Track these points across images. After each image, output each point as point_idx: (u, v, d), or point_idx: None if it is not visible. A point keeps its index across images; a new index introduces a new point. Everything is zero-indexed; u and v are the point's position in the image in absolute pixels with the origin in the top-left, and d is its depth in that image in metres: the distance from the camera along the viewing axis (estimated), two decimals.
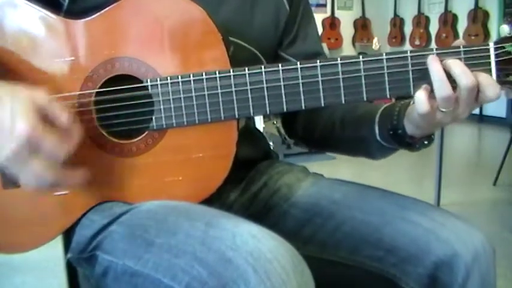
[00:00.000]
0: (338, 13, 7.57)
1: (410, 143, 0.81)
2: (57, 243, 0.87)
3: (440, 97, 0.71)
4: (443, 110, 0.72)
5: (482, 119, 6.44)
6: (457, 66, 0.71)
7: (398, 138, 0.82)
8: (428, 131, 0.79)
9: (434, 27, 7.08)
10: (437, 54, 0.73)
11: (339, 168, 3.73)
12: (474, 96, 0.72)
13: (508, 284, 2.16)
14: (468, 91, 0.71)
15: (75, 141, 0.72)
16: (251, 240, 0.63)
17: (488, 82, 0.71)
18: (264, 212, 0.93)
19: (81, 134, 0.73)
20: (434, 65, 0.72)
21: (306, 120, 1.00)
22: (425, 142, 0.81)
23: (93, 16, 0.78)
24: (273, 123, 4.43)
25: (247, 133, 0.93)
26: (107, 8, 0.78)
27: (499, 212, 3.11)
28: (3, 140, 0.68)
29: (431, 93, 0.73)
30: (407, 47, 7.45)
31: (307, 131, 1.01)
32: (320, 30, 7.38)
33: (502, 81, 0.73)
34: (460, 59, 0.73)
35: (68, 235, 0.83)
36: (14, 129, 0.67)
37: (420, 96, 0.72)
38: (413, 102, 0.75)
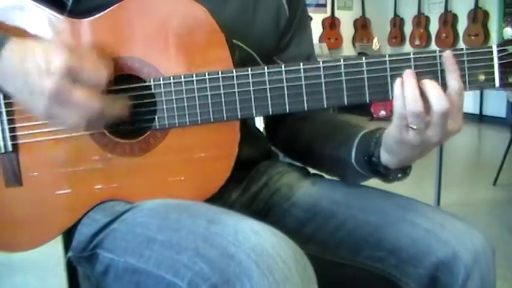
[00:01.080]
0: (338, 13, 7.56)
1: (384, 173, 0.81)
2: (57, 242, 0.87)
3: (411, 112, 0.70)
4: (413, 127, 0.71)
5: (482, 119, 6.44)
6: (433, 89, 0.71)
7: (372, 166, 0.81)
8: (401, 160, 0.78)
9: (434, 27, 7.08)
10: (440, 56, 0.73)
11: None
12: (446, 121, 0.71)
13: (507, 285, 2.16)
14: (441, 116, 0.70)
15: (111, 66, 0.73)
16: (253, 236, 0.63)
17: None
18: (264, 211, 0.93)
19: (111, 62, 0.74)
20: (409, 80, 0.72)
21: (290, 129, 1.00)
22: (399, 175, 0.81)
23: (97, 16, 0.79)
24: None
25: (248, 133, 0.93)
26: (110, 8, 0.78)
27: (499, 212, 3.11)
28: (43, 79, 0.67)
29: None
30: (407, 47, 7.45)
31: (288, 141, 1.01)
32: (320, 30, 7.38)
33: (505, 83, 0.73)
34: (463, 61, 0.73)
35: (68, 234, 0.83)
36: (51, 64, 0.67)
37: (397, 90, 0.72)
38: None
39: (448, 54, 0.73)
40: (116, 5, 0.78)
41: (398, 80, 0.72)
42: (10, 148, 0.81)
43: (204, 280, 0.61)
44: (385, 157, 0.79)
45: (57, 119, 0.71)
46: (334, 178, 0.97)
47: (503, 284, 2.14)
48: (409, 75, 0.72)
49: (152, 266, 0.68)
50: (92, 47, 0.75)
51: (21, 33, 0.79)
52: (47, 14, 0.79)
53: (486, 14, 6.39)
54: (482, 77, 0.74)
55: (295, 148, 1.01)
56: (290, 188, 0.94)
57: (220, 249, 0.63)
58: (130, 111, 0.79)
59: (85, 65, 0.69)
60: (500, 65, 0.73)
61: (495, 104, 6.32)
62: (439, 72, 0.74)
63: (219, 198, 0.81)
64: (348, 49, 7.59)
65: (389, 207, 0.84)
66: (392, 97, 0.74)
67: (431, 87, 0.71)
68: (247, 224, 0.65)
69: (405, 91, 0.71)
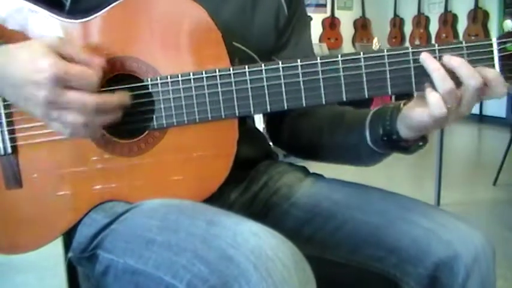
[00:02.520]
0: (338, 13, 7.56)
1: (405, 147, 0.81)
2: (57, 242, 0.87)
3: (444, 92, 0.71)
4: (448, 106, 0.71)
5: (482, 119, 6.44)
6: (463, 68, 0.70)
7: (392, 143, 0.81)
8: (421, 132, 0.78)
9: (434, 27, 7.08)
10: (440, 50, 0.72)
11: (338, 168, 3.72)
12: (479, 94, 0.71)
13: (507, 284, 2.16)
14: (476, 91, 0.70)
15: (99, 64, 0.73)
16: (252, 238, 0.63)
17: (499, 80, 0.70)
18: (264, 211, 0.93)
19: (102, 61, 0.74)
20: (430, 63, 0.72)
21: (292, 127, 0.99)
22: (420, 144, 0.81)
23: (94, 16, 0.79)
24: None
25: (248, 133, 0.93)
26: (107, 8, 0.78)
27: (499, 212, 3.11)
28: (34, 90, 0.68)
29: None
30: None
31: (293, 138, 1.00)
32: (320, 30, 7.38)
33: (506, 76, 0.72)
34: (462, 55, 0.72)
35: (68, 234, 0.83)
36: (38, 74, 0.68)
37: (434, 99, 0.71)
38: (404, 104, 0.76)
39: (424, 56, 0.72)
40: (113, 5, 0.78)
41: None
42: (10, 150, 0.81)
43: (203, 282, 0.61)
44: (405, 132, 0.78)
45: (58, 121, 0.71)
46: (335, 177, 0.97)
47: (504, 284, 2.14)
48: (427, 58, 0.72)
49: (151, 267, 0.68)
50: (80, 46, 0.75)
51: (20, 38, 0.79)
52: (44, 15, 0.79)
53: (486, 14, 6.38)
54: None
55: (299, 145, 1.00)
56: (290, 189, 0.94)
57: (219, 251, 0.62)
58: (129, 111, 0.79)
59: (73, 67, 0.70)
60: (500, 58, 0.72)
61: (495, 104, 6.31)
62: None
63: (218, 199, 0.80)
64: (347, 49, 7.58)
65: (389, 207, 0.84)
66: (390, 92, 0.74)
67: (459, 66, 0.71)
68: (246, 226, 0.65)
69: (431, 74, 0.71)
